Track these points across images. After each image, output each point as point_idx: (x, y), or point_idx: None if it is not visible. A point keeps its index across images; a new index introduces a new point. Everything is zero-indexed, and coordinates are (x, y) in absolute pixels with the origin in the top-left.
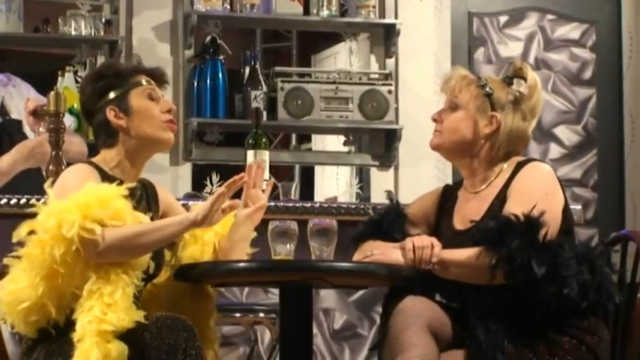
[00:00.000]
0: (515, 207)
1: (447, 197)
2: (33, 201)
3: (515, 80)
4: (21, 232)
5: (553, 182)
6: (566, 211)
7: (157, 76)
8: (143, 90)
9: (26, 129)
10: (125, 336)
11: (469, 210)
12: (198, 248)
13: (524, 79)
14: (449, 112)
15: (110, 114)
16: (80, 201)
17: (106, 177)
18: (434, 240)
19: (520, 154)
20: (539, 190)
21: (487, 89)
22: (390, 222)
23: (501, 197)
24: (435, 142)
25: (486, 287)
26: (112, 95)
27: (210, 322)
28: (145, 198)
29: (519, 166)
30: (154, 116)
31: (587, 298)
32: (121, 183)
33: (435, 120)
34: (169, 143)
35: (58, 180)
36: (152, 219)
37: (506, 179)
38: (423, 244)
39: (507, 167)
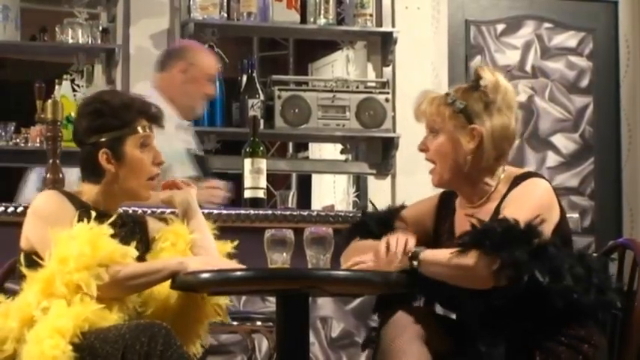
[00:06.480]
0: (511, 212)
1: (444, 211)
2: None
3: (480, 84)
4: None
5: (549, 197)
6: (561, 224)
7: (155, 118)
8: (139, 137)
9: None
10: (101, 342)
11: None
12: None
13: (483, 79)
14: (432, 139)
15: (102, 157)
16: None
17: (80, 205)
18: (408, 235)
19: (507, 152)
20: (535, 201)
21: (458, 104)
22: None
23: (498, 213)
24: (435, 181)
25: (480, 295)
26: (107, 137)
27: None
28: (138, 232)
29: (517, 181)
30: (143, 171)
31: (589, 298)
32: (95, 210)
33: (422, 150)
34: (147, 200)
35: (33, 213)
36: (143, 257)
37: (503, 194)
38: (396, 236)
39: (504, 180)
